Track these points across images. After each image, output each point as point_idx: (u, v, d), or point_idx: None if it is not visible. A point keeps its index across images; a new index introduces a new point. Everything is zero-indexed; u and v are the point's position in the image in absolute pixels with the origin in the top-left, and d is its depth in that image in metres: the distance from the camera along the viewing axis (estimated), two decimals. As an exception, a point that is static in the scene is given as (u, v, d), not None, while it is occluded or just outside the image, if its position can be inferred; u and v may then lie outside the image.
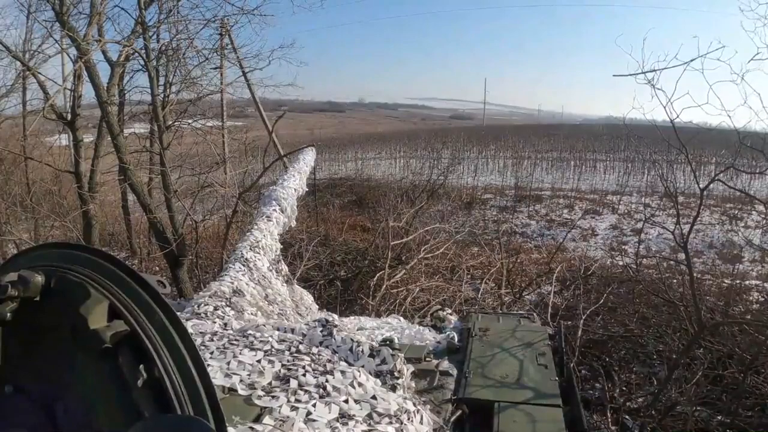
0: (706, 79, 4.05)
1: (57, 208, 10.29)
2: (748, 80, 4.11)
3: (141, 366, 0.75)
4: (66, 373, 0.78)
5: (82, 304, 0.76)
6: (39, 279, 0.77)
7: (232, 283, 3.28)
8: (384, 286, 7.16)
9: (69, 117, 8.66)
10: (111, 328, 0.75)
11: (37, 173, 11.33)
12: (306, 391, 1.66)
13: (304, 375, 1.75)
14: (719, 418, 4.63)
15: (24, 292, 0.76)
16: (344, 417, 1.58)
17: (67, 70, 9.83)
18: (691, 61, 4.10)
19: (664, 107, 4.20)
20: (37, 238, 9.86)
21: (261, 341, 2.02)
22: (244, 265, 3.67)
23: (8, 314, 0.75)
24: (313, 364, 1.85)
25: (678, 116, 4.12)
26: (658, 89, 4.23)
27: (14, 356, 0.78)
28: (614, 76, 4.69)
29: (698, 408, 4.66)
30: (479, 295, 7.54)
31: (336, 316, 2.86)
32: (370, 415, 1.64)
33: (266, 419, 1.46)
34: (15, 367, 0.79)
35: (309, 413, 1.53)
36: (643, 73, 4.27)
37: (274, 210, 4.73)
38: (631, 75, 4.36)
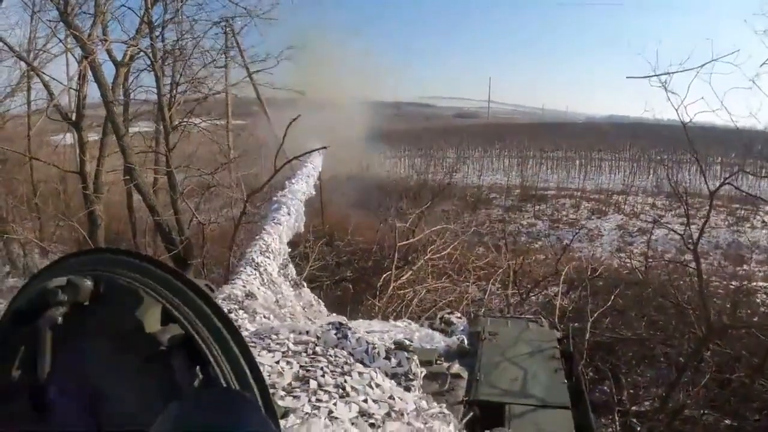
0: (712, 88, 4.04)
1: (62, 208, 10.31)
2: (759, 84, 4.10)
3: (198, 368, 0.77)
4: (113, 376, 0.79)
5: (136, 309, 0.77)
6: (88, 284, 0.78)
7: (245, 286, 3.31)
8: (391, 287, 7.14)
9: (74, 117, 8.68)
10: (166, 331, 0.77)
11: (43, 173, 11.35)
12: (326, 391, 1.70)
13: (323, 376, 1.79)
14: (727, 421, 4.63)
15: (74, 297, 0.77)
16: (364, 415, 1.63)
17: (72, 69, 9.83)
18: (704, 65, 4.10)
19: (676, 110, 4.20)
20: (42, 238, 9.91)
21: (278, 343, 2.04)
22: (255, 269, 3.70)
23: (59, 318, 0.77)
24: (330, 366, 1.89)
25: (691, 120, 4.11)
26: (671, 92, 4.23)
27: (62, 360, 0.80)
28: (627, 77, 4.70)
29: (706, 412, 4.65)
30: (486, 296, 7.52)
31: (346, 320, 2.88)
32: (388, 414, 1.68)
33: (291, 418, 1.51)
34: (63, 371, 0.80)
35: (331, 411, 1.59)
36: (656, 75, 4.28)
37: (283, 214, 4.75)
38: (644, 77, 4.36)
